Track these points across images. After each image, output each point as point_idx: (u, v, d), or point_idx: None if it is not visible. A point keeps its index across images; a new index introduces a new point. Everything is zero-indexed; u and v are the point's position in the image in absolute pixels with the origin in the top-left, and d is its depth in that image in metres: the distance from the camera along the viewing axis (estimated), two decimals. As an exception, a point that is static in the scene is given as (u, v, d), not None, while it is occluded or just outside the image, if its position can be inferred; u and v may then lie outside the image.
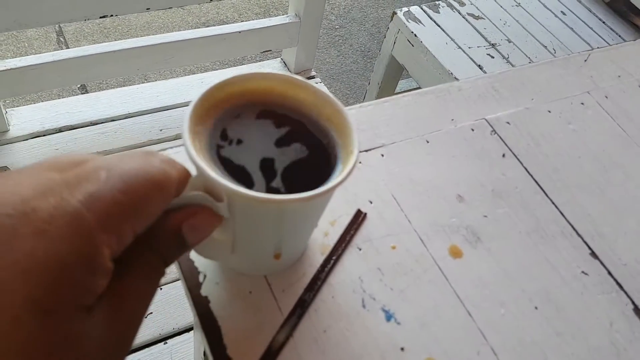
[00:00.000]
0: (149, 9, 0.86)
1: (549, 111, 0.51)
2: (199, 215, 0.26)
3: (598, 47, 1.27)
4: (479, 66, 1.21)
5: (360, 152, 0.46)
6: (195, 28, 1.93)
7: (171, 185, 0.24)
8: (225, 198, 0.27)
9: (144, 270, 0.24)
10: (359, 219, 0.40)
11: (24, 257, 0.19)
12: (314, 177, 0.29)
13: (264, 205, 0.27)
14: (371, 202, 0.42)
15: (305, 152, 0.30)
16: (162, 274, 0.25)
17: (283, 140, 0.30)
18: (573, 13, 1.39)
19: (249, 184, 0.28)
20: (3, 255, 0.19)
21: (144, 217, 0.23)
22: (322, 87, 0.32)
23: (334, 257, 0.38)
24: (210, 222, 0.27)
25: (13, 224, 0.19)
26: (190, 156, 0.26)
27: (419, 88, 1.32)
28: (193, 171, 0.27)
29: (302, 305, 0.35)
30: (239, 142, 0.29)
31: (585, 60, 0.57)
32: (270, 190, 0.28)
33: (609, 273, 0.41)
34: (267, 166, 0.29)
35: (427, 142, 0.47)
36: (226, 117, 0.30)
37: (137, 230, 0.23)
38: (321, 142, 0.31)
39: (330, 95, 0.31)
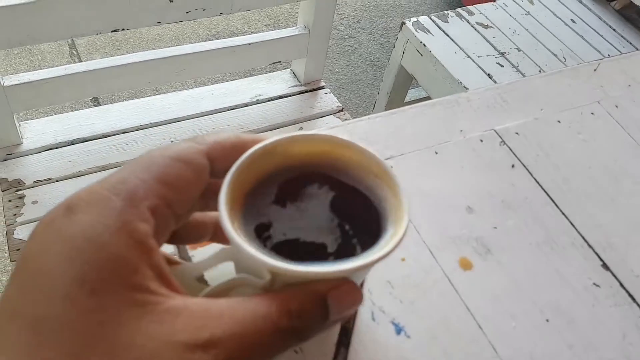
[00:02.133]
0: (159, 22, 0.87)
1: (559, 121, 0.51)
2: (346, 286, 0.25)
3: (609, 56, 1.26)
4: (489, 75, 1.21)
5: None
6: (205, 40, 1.95)
7: (194, 150, 0.25)
8: (268, 275, 0.25)
9: (257, 317, 0.22)
10: (367, 231, 0.40)
11: (67, 242, 0.21)
12: (363, 239, 0.27)
13: (308, 279, 0.25)
14: (380, 214, 0.42)
15: (353, 214, 0.28)
16: (286, 343, 0.23)
17: (329, 203, 0.28)
18: (583, 21, 1.39)
19: (293, 253, 0.26)
20: (52, 245, 0.21)
21: (169, 187, 0.24)
22: (366, 145, 0.29)
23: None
24: (357, 296, 0.26)
25: (53, 219, 0.22)
26: (227, 232, 0.24)
27: (428, 97, 1.32)
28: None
29: (346, 334, 0.35)
30: (280, 209, 0.28)
31: (595, 70, 0.57)
32: (317, 256, 0.26)
33: (621, 285, 0.41)
34: (313, 232, 0.27)
35: (436, 153, 0.47)
36: (266, 184, 0.28)
37: (169, 197, 0.24)
38: (370, 202, 0.29)
39: (376, 154, 0.29)
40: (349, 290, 0.25)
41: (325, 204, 0.28)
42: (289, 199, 0.28)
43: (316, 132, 0.29)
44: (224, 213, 0.25)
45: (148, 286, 0.21)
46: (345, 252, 0.26)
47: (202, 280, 0.27)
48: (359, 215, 0.28)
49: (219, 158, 0.26)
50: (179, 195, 0.24)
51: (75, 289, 0.20)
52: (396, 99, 1.47)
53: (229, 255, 0.26)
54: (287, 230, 0.27)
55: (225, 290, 0.26)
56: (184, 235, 0.29)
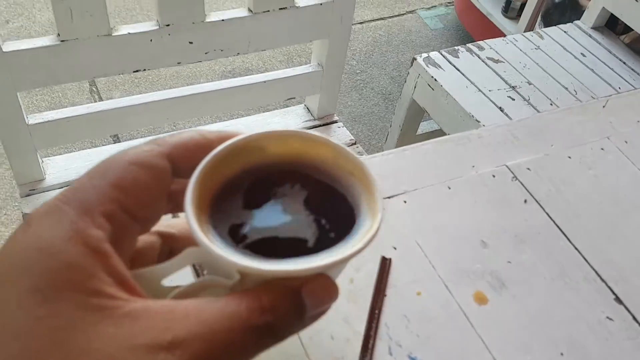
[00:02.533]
0: (179, 62, 0.90)
1: (569, 157, 0.52)
2: (321, 280, 0.24)
3: (619, 89, 1.27)
4: (500, 108, 1.22)
5: (383, 198, 0.47)
6: (222, 76, 1.99)
7: (151, 154, 0.25)
8: (237, 275, 0.24)
9: (225, 315, 0.22)
10: (386, 266, 0.41)
11: (20, 254, 0.21)
12: (337, 235, 0.26)
13: (278, 278, 0.24)
14: (395, 248, 0.43)
15: (327, 210, 0.27)
16: (261, 341, 0.22)
17: (302, 200, 0.27)
18: (593, 54, 1.41)
19: (268, 252, 0.25)
20: (7, 258, 0.22)
21: (125, 192, 0.24)
22: (341, 143, 0.29)
23: (376, 311, 0.39)
24: (332, 290, 0.25)
25: (14, 235, 0.22)
26: (193, 232, 0.24)
27: (440, 130, 1.33)
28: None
29: None
30: (252, 207, 0.27)
31: (604, 106, 0.58)
32: (292, 254, 0.25)
33: (634, 318, 0.41)
34: (287, 230, 0.26)
35: (449, 188, 0.48)
36: (238, 183, 0.27)
37: (125, 202, 0.24)
38: (344, 198, 0.28)
39: (350, 151, 0.28)
40: (324, 284, 0.24)
41: (299, 201, 0.27)
42: (261, 197, 0.27)
43: (289, 129, 0.28)
44: (190, 213, 0.24)
45: (105, 291, 0.21)
46: (319, 248, 0.25)
47: (171, 283, 0.26)
48: (332, 211, 0.27)
49: (182, 158, 0.26)
50: (136, 200, 0.24)
51: (28, 298, 0.20)
52: (408, 132, 1.49)
53: (197, 257, 0.25)
54: (261, 228, 0.26)
55: (193, 292, 0.25)
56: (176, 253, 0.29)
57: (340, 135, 1.19)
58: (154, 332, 0.21)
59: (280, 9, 0.92)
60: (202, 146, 0.26)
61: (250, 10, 0.90)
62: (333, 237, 0.26)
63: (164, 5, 0.82)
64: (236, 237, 0.25)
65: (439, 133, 1.49)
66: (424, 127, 1.58)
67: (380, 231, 0.45)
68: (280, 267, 0.23)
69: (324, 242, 0.26)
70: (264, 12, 0.91)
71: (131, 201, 0.24)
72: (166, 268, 0.26)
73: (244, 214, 0.26)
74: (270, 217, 0.26)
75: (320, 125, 1.20)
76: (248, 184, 0.27)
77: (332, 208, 0.27)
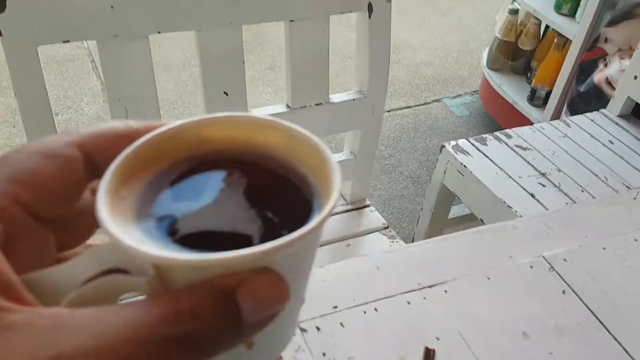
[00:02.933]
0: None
1: (604, 248, 0.54)
2: (261, 277, 0.19)
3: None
4: (531, 195, 1.24)
5: (424, 288, 0.49)
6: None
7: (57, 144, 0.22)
8: (152, 270, 0.20)
9: (127, 325, 0.18)
10: (430, 357, 0.42)
11: None
12: (290, 225, 0.21)
13: (208, 272, 0.19)
14: (438, 339, 0.44)
15: (277, 202, 0.24)
16: (178, 355, 0.18)
17: (248, 192, 0.24)
18: (621, 142, 1.43)
19: (204, 249, 0.20)
20: None
21: (24, 185, 0.21)
22: (294, 125, 0.25)
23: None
24: (279, 289, 0.20)
25: None
26: (100, 221, 0.20)
27: (472, 214, 1.35)
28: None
29: None
30: (188, 202, 0.23)
31: (635, 198, 0.60)
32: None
33: (683, 414, 0.41)
34: (230, 224, 0.22)
35: (488, 278, 0.50)
36: (171, 175, 0.24)
37: (23, 196, 0.21)
38: (298, 187, 0.24)
39: (305, 131, 0.24)
40: (267, 282, 0.19)
41: (243, 193, 0.23)
42: (200, 191, 0.23)
43: (233, 113, 0.25)
44: (101, 201, 0.20)
45: None
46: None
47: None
48: (284, 203, 0.23)
49: (99, 149, 0.22)
50: (37, 193, 0.21)
51: None
52: (440, 216, 1.51)
53: (106, 253, 0.21)
54: (196, 225, 0.22)
55: (98, 297, 0.21)
56: None
57: (372, 219, 1.22)
58: (36, 347, 0.17)
59: (316, 104, 0.99)
60: (125, 136, 0.23)
61: (288, 106, 0.96)
62: (285, 228, 0.21)
63: (211, 105, 0.89)
64: (168, 234, 0.21)
65: (471, 217, 1.51)
66: (455, 210, 1.60)
67: (423, 321, 0.47)
68: (201, 257, 0.19)
69: (275, 235, 0.20)
70: (301, 107, 0.97)
71: (30, 195, 0.21)
72: (66, 269, 0.21)
73: (177, 209, 0.23)
74: (210, 213, 0.23)
75: (353, 210, 1.23)
76: (184, 176, 0.24)
77: (283, 199, 0.24)
